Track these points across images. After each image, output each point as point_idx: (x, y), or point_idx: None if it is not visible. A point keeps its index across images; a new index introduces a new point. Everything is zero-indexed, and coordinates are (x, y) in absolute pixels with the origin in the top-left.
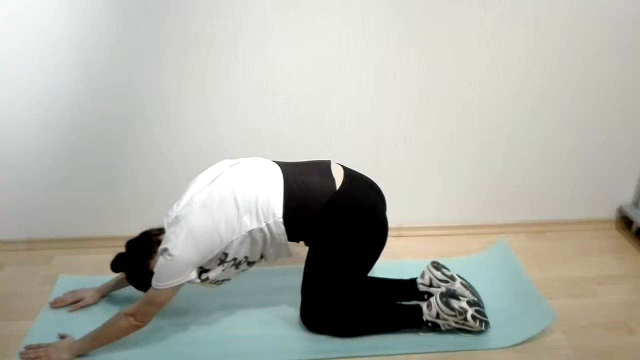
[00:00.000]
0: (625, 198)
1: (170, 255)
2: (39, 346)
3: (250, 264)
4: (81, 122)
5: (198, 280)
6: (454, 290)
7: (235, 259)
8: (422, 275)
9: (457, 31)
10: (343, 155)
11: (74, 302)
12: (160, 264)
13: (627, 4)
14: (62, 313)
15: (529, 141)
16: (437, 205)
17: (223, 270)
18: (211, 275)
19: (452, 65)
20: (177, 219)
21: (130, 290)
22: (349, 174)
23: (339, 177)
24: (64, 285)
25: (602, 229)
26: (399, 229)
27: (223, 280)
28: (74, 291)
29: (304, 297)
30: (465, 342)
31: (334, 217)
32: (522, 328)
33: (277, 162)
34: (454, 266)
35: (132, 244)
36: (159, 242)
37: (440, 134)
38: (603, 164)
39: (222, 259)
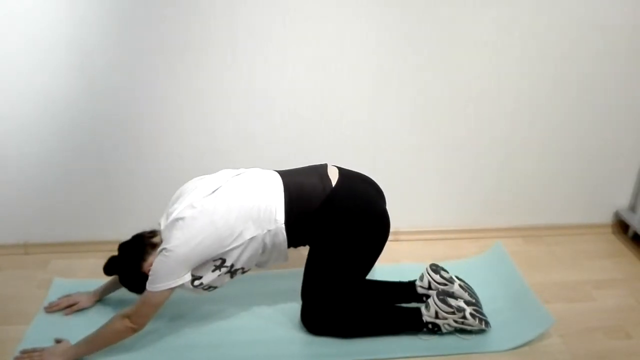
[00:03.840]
0: (621, 202)
1: (167, 252)
2: (34, 350)
3: (244, 272)
4: (78, 126)
5: (191, 286)
6: (452, 292)
7: (232, 266)
8: (421, 278)
9: (454, 35)
10: (340, 158)
11: (68, 306)
12: (156, 262)
13: (623, 7)
14: (58, 317)
15: (526, 145)
16: (434, 209)
17: (218, 277)
18: (205, 280)
19: (449, 69)
20: (175, 221)
21: (124, 292)
22: (344, 173)
23: (334, 177)
24: (59, 289)
25: (598, 233)
26: (396, 233)
27: (213, 287)
28: (68, 295)
29: (305, 298)
30: (463, 345)
31: (333, 215)
32: (519, 332)
33: (277, 171)
34: (450, 270)
35: (125, 246)
36: (152, 244)
37: (437, 138)
38: (599, 168)
39: (217, 265)
